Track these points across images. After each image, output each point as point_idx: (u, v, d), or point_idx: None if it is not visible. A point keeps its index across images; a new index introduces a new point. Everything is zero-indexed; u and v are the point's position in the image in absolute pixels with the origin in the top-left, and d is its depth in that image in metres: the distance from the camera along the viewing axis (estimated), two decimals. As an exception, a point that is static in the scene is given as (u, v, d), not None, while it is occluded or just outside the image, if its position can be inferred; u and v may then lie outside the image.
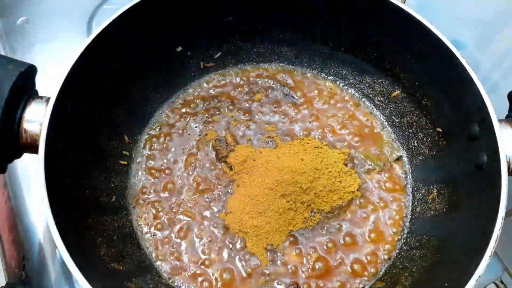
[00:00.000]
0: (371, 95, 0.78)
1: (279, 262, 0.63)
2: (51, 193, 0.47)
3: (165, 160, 0.71)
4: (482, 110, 0.54)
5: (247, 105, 0.77)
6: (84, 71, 0.56)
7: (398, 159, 0.73)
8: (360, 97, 0.79)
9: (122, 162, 0.69)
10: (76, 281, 0.63)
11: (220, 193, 0.68)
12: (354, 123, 0.76)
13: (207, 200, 0.68)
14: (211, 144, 0.73)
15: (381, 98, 0.77)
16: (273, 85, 0.79)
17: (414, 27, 0.62)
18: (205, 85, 0.79)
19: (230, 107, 0.76)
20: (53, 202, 0.47)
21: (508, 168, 0.51)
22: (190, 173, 0.70)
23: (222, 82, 0.79)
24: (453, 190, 0.62)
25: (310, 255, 0.64)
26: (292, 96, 0.78)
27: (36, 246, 0.68)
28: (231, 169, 0.70)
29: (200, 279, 0.62)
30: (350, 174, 0.69)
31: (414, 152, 0.72)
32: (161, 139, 0.73)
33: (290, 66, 0.82)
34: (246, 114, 0.76)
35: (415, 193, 0.69)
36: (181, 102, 0.77)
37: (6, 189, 0.73)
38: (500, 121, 0.54)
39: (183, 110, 0.76)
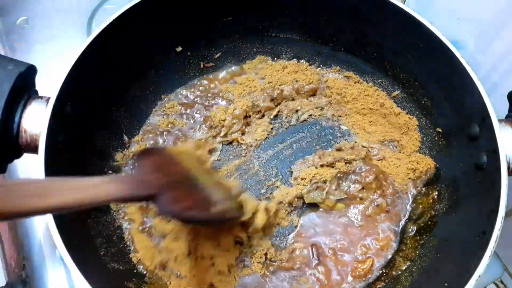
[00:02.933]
0: (371, 95, 0.78)
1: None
2: (51, 193, 0.47)
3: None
4: (482, 110, 0.54)
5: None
6: (84, 71, 0.56)
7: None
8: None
9: (122, 162, 0.69)
10: (76, 281, 0.63)
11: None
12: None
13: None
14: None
15: (381, 98, 0.77)
16: (273, 85, 0.79)
17: (414, 27, 0.62)
18: (204, 85, 0.79)
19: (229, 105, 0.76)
20: (53, 202, 0.47)
21: (508, 168, 0.51)
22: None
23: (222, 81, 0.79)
24: (453, 190, 0.62)
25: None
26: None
27: (36, 246, 0.68)
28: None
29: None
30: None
31: (414, 152, 0.72)
32: (161, 139, 0.73)
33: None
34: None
35: (415, 193, 0.69)
36: (181, 102, 0.77)
37: (6, 189, 0.73)
38: (500, 121, 0.54)
39: (183, 111, 0.76)
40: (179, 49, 0.74)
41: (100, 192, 0.39)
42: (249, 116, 0.74)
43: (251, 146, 0.72)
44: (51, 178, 0.40)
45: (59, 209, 0.34)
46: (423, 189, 0.68)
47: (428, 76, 0.67)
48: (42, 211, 0.33)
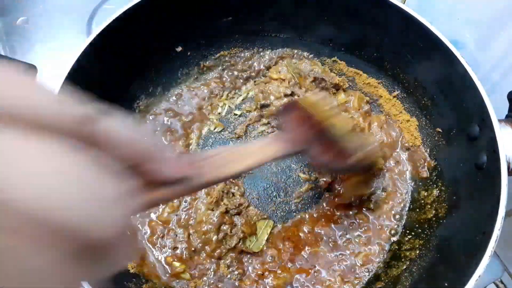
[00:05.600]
0: (371, 95, 0.78)
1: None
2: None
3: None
4: (482, 110, 0.54)
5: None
6: (83, 71, 0.56)
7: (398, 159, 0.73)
8: (360, 97, 0.79)
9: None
10: (76, 281, 0.63)
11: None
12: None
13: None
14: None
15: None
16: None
17: (414, 27, 0.62)
18: (204, 85, 0.79)
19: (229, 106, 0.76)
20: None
21: (508, 168, 0.51)
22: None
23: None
24: (453, 190, 0.62)
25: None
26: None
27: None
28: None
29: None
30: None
31: (414, 152, 0.72)
32: (159, 139, 0.73)
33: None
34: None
35: (415, 193, 0.69)
36: (180, 102, 0.77)
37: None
38: (500, 121, 0.54)
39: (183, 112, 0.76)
40: (179, 49, 0.74)
41: (269, 153, 0.44)
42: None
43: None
44: (231, 148, 0.45)
45: (245, 171, 0.39)
46: (423, 189, 0.68)
47: (428, 76, 0.67)
48: (236, 175, 0.37)
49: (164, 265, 0.62)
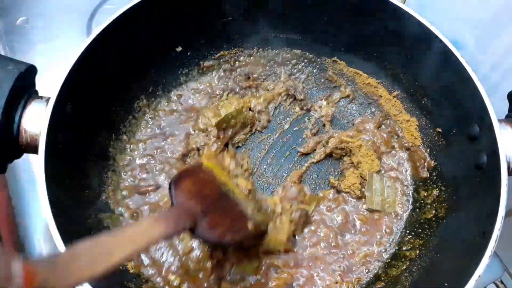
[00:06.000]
0: (371, 95, 0.78)
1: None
2: (51, 193, 0.47)
3: (164, 162, 0.71)
4: (482, 110, 0.54)
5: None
6: (84, 71, 0.56)
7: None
8: (360, 97, 0.79)
9: (121, 163, 0.69)
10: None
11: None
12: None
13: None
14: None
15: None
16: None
17: (414, 27, 0.62)
18: (204, 85, 0.79)
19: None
20: (53, 202, 0.47)
21: (508, 168, 0.51)
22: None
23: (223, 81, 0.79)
24: (453, 190, 0.62)
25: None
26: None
27: (36, 246, 0.68)
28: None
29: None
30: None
31: (414, 152, 0.72)
32: (159, 140, 0.73)
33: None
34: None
35: (415, 193, 0.69)
36: (180, 102, 0.77)
37: (6, 189, 0.73)
38: (500, 121, 0.54)
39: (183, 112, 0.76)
40: (179, 49, 0.74)
41: (152, 235, 0.40)
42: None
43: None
44: (106, 235, 0.37)
45: (123, 262, 0.36)
46: (423, 189, 0.68)
47: (428, 76, 0.67)
48: (110, 269, 0.33)
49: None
